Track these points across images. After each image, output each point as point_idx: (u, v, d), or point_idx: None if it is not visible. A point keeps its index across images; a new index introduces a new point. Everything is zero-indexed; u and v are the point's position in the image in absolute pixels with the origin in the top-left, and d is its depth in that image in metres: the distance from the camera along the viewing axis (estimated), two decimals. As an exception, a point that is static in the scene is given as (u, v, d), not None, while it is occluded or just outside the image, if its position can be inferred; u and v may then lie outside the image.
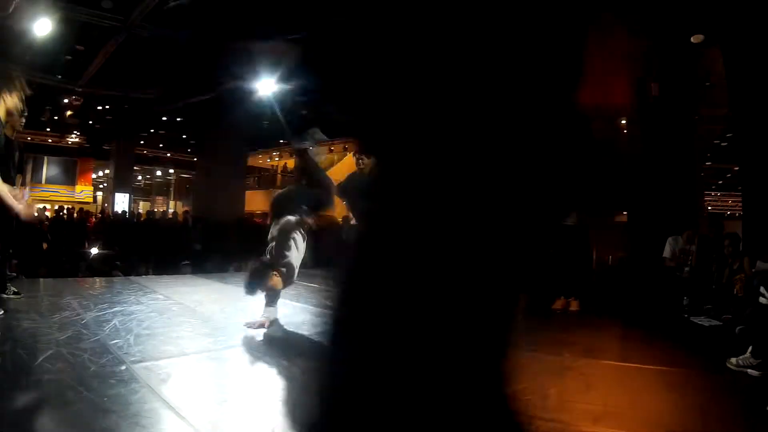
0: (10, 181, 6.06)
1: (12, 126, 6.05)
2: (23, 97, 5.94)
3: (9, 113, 5.86)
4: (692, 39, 11.27)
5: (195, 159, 30.87)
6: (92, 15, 13.95)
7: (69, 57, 18.17)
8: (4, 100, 5.64)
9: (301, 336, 5.71)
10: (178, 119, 26.89)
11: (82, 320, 5.78)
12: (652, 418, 3.55)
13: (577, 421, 3.44)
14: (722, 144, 20.38)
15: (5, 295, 6.68)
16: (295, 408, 3.58)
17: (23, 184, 6.80)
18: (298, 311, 7.07)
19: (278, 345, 5.41)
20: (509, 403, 1.41)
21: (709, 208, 20.39)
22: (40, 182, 33.49)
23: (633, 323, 7.55)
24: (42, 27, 13.10)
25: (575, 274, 8.01)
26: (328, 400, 1.35)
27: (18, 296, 6.83)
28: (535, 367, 4.82)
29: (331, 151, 34.12)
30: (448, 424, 1.28)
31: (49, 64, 17.94)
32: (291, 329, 6.05)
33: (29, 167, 25.88)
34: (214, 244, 16.17)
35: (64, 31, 14.25)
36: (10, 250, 6.92)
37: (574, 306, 7.80)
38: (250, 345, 5.38)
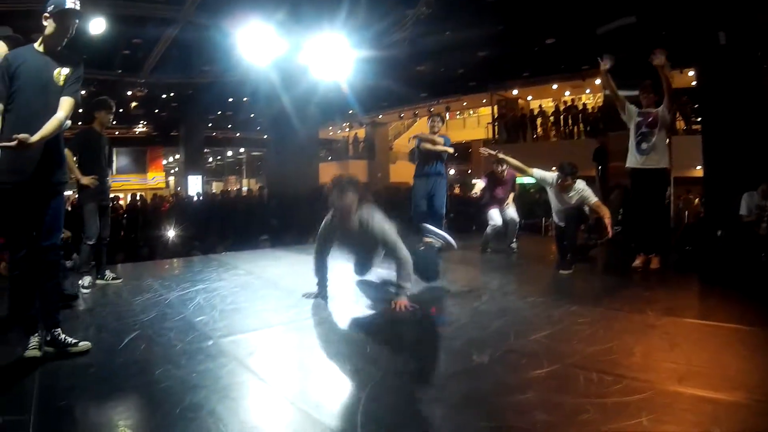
0: (101, 171, 6.79)
1: (101, 123, 6.99)
2: (112, 111, 7.09)
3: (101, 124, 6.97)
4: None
5: (265, 136, 31.13)
6: (148, 9, 14.13)
7: (127, 51, 18.49)
8: (98, 118, 6.87)
9: (385, 302, 5.67)
10: (245, 99, 27.10)
11: (166, 300, 5.86)
12: (736, 379, 3.43)
13: (663, 381, 3.37)
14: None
15: (103, 281, 6.88)
16: (382, 375, 3.62)
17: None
18: (380, 276, 7.04)
19: (363, 312, 5.46)
20: None
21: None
22: (111, 173, 34.55)
23: (712, 281, 7.39)
24: (97, 25, 13.31)
25: (655, 230, 7.85)
26: None
27: (118, 281, 6.99)
28: (619, 325, 4.76)
29: (400, 118, 34.20)
30: None
31: (108, 60, 18.32)
32: (375, 295, 6.09)
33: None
34: (291, 217, 16.28)
35: (120, 27, 14.48)
36: (107, 239, 7.08)
37: (654, 263, 7.65)
38: (334, 314, 5.41)
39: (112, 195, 8.36)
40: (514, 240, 9.71)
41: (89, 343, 4.07)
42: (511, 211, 9.62)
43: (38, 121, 3.71)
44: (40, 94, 3.87)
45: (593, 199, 7.75)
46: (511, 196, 9.79)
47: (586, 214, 8.08)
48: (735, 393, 3.21)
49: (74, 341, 4.02)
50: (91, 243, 6.57)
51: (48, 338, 3.97)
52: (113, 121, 8.07)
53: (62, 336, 4.02)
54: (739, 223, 9.08)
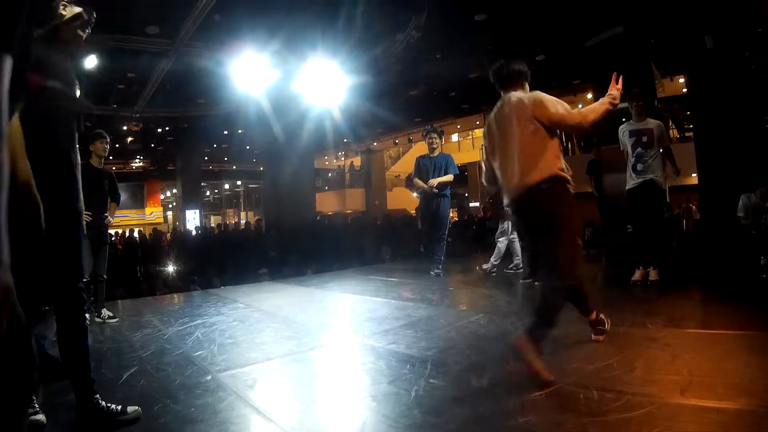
0: (94, 207, 6.78)
1: (98, 155, 7.11)
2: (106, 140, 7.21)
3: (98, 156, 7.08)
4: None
5: (261, 168, 31.25)
6: (140, 43, 14.20)
7: (121, 86, 18.55)
8: (94, 151, 7.04)
9: (385, 330, 5.72)
10: (240, 131, 27.15)
11: (164, 336, 5.88)
12: (739, 386, 3.41)
13: (665, 393, 3.35)
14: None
15: (99, 319, 6.86)
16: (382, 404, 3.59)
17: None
18: (379, 305, 7.09)
19: (362, 342, 5.39)
20: None
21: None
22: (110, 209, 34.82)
23: (712, 288, 7.39)
24: (91, 60, 13.37)
25: (653, 243, 7.84)
26: None
27: (114, 320, 6.99)
28: (619, 340, 4.74)
29: (395, 144, 34.31)
30: None
31: (104, 95, 18.40)
32: (374, 324, 6.06)
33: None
34: (290, 248, 16.29)
35: (114, 62, 14.57)
36: (103, 276, 7.14)
37: (653, 276, 7.65)
38: (334, 345, 5.39)
39: (111, 231, 8.40)
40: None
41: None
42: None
43: None
44: None
45: None
46: None
47: None
48: (740, 400, 3.19)
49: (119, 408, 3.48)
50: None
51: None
52: (110, 156, 8.09)
53: (103, 403, 3.44)
54: (736, 226, 9.06)
